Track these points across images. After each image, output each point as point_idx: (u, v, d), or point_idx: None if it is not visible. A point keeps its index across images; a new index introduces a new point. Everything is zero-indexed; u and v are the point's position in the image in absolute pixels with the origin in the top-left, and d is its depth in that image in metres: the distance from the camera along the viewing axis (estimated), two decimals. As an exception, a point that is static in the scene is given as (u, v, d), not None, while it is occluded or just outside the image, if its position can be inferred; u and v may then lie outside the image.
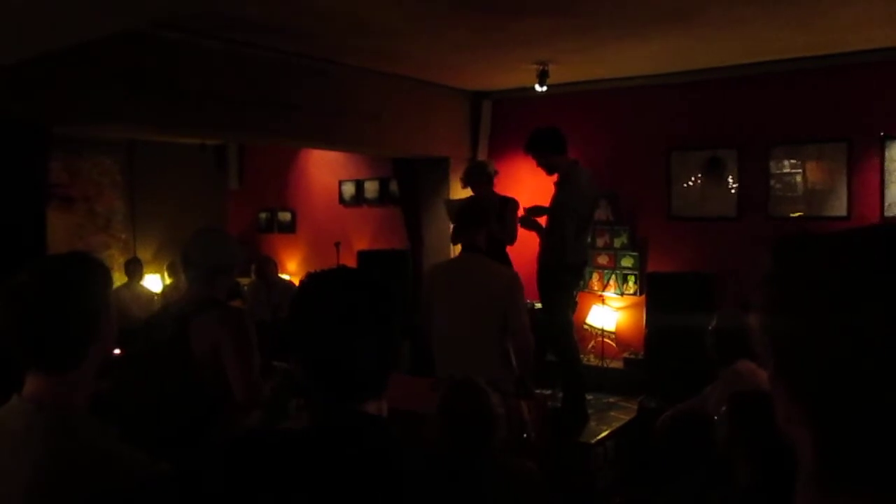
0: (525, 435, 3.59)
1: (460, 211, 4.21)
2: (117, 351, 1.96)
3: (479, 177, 5.47)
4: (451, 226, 5.60)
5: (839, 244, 0.66)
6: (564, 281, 5.01)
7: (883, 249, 0.62)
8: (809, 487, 0.65)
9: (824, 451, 0.63)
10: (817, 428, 0.63)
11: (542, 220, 5.15)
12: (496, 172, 5.59)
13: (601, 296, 6.52)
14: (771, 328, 0.69)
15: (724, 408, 2.58)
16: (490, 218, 4.21)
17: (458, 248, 5.58)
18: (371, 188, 8.10)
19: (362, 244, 7.98)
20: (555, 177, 5.06)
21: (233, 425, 2.50)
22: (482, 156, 7.13)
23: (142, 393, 2.59)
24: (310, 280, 1.31)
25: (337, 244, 7.69)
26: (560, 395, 5.32)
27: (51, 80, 4.26)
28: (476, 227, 3.94)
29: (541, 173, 5.17)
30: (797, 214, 5.78)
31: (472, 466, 2.30)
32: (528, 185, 6.74)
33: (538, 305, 5.23)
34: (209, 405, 2.50)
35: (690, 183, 6.26)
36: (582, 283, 5.67)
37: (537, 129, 5.11)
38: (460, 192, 6.98)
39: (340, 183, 8.35)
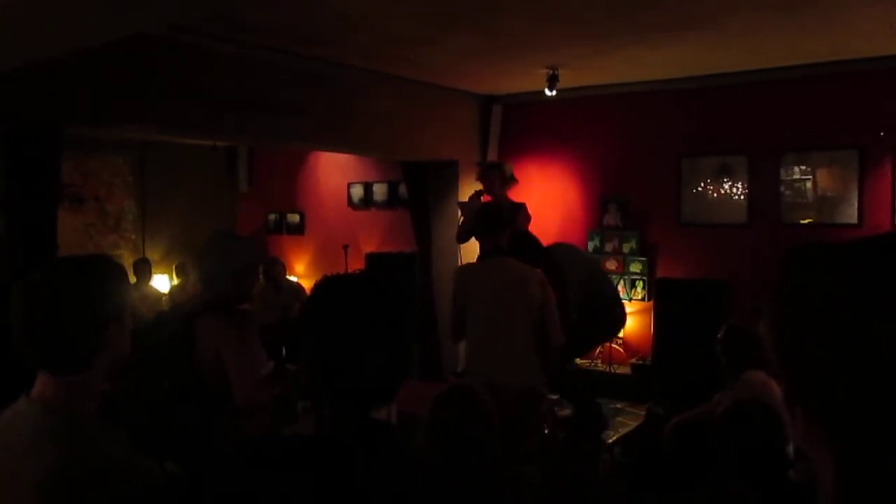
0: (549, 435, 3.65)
1: (481, 215, 4.21)
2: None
3: (492, 174, 5.44)
4: (459, 224, 5.59)
5: (855, 256, 0.61)
6: None
7: None
8: None
9: (846, 474, 0.60)
10: (839, 450, 0.60)
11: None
12: (513, 178, 5.54)
13: (609, 301, 6.49)
14: (785, 348, 0.64)
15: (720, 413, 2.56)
16: (509, 221, 4.22)
17: (462, 248, 5.57)
18: (380, 191, 8.10)
19: (371, 247, 7.98)
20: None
21: (236, 429, 2.49)
22: (491, 159, 7.12)
23: (148, 393, 2.59)
24: (325, 285, 1.27)
25: (345, 247, 7.69)
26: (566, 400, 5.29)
27: (62, 82, 4.28)
28: (500, 230, 3.99)
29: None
30: (807, 221, 5.74)
31: (465, 475, 2.22)
32: (538, 188, 6.73)
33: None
34: (214, 406, 2.50)
35: (700, 189, 6.23)
36: None
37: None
38: (469, 195, 6.98)
39: (349, 185, 8.35)
